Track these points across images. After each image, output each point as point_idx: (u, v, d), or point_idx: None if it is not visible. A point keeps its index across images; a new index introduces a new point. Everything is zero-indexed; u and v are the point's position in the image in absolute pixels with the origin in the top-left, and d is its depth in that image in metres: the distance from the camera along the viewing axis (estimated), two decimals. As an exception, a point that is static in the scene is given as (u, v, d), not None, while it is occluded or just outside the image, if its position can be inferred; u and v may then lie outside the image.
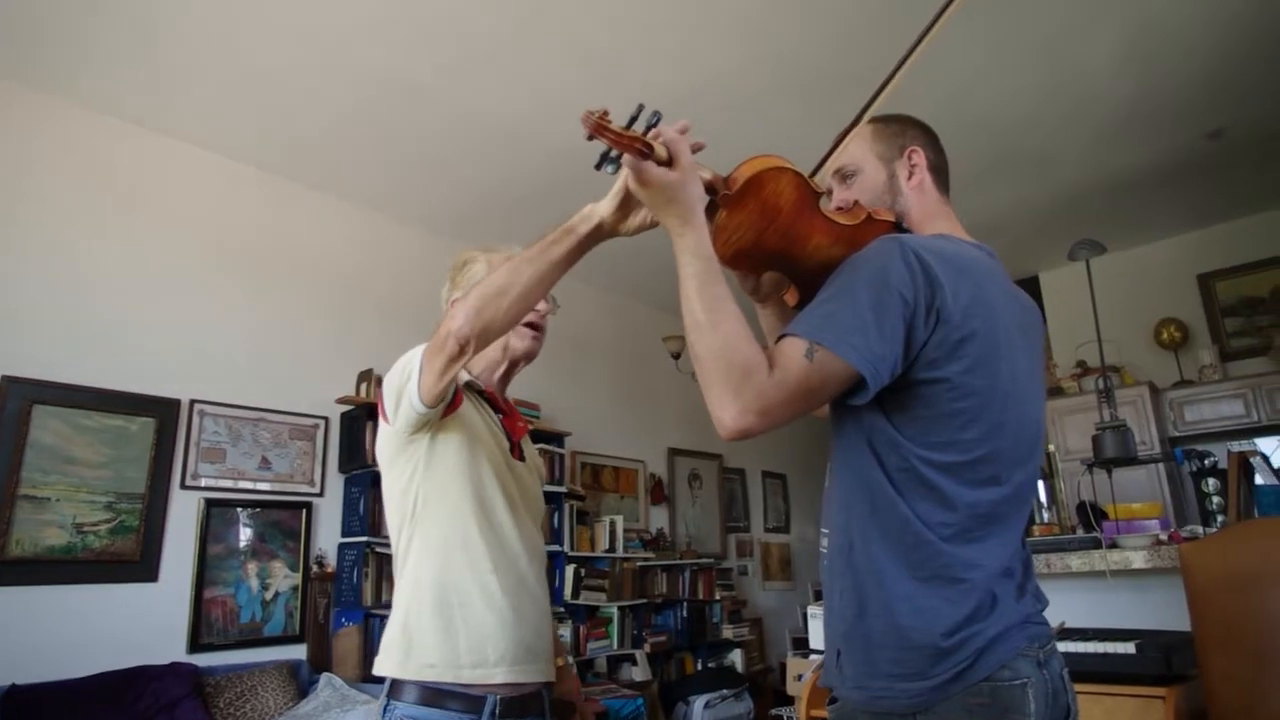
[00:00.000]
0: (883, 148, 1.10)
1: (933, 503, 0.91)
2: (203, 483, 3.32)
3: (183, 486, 3.26)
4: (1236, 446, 4.25)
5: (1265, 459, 3.40)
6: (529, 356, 1.45)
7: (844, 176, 1.10)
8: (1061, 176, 4.27)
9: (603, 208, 1.05)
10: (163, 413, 3.25)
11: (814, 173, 1.07)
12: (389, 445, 1.29)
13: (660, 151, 0.88)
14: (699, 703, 4.48)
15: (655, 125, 0.86)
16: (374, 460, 3.64)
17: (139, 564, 3.08)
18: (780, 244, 0.98)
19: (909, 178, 1.08)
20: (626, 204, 1.03)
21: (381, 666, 1.23)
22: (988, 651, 0.88)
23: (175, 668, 2.92)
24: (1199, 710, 1.74)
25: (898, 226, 1.05)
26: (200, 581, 3.21)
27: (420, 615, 1.22)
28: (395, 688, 1.21)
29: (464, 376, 1.36)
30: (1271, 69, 3.40)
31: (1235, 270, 4.85)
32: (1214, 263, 4.93)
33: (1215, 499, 3.95)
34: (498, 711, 1.19)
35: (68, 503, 2.95)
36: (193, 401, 3.36)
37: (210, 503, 3.32)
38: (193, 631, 3.15)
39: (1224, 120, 3.80)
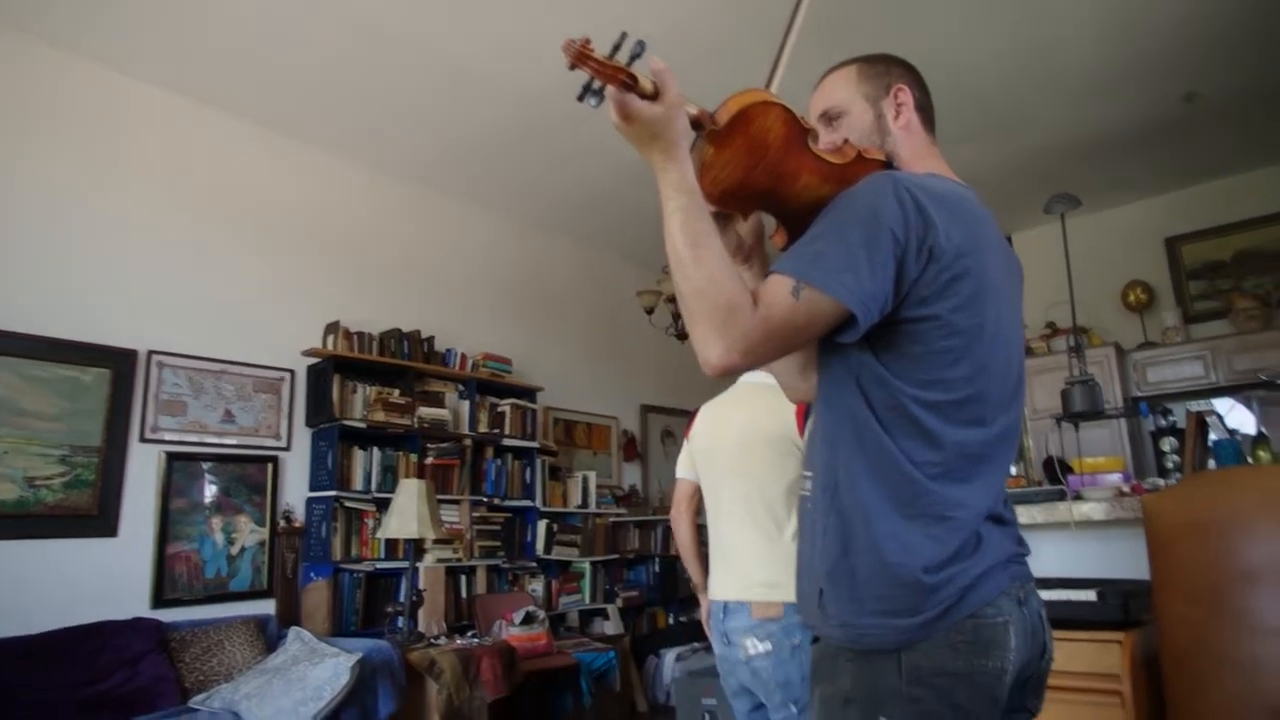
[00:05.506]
0: (869, 88, 1.07)
1: (920, 441, 0.91)
2: (164, 436, 3.23)
3: (142, 440, 3.17)
4: (1194, 406, 4.37)
5: (1220, 418, 3.55)
6: None
7: (830, 118, 1.08)
8: (1033, 138, 4.26)
9: None
10: (118, 363, 3.13)
11: (767, 87, 1.03)
12: None
13: (645, 84, 0.84)
14: (670, 655, 4.56)
15: (639, 55, 0.82)
16: (341, 414, 3.60)
17: (97, 518, 3.00)
18: (768, 182, 0.96)
19: (896, 117, 1.06)
20: None
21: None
22: (973, 590, 0.89)
23: (138, 623, 2.87)
24: (1153, 653, 1.79)
25: (888, 166, 1.03)
26: (163, 536, 3.15)
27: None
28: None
29: None
30: (1246, 33, 3.39)
31: (1201, 234, 4.91)
32: (1181, 226, 4.99)
33: (1173, 457, 4.13)
34: None
35: (18, 455, 2.85)
36: (150, 352, 3.24)
37: (172, 456, 3.23)
38: (156, 586, 3.09)
39: (1198, 84, 3.79)
